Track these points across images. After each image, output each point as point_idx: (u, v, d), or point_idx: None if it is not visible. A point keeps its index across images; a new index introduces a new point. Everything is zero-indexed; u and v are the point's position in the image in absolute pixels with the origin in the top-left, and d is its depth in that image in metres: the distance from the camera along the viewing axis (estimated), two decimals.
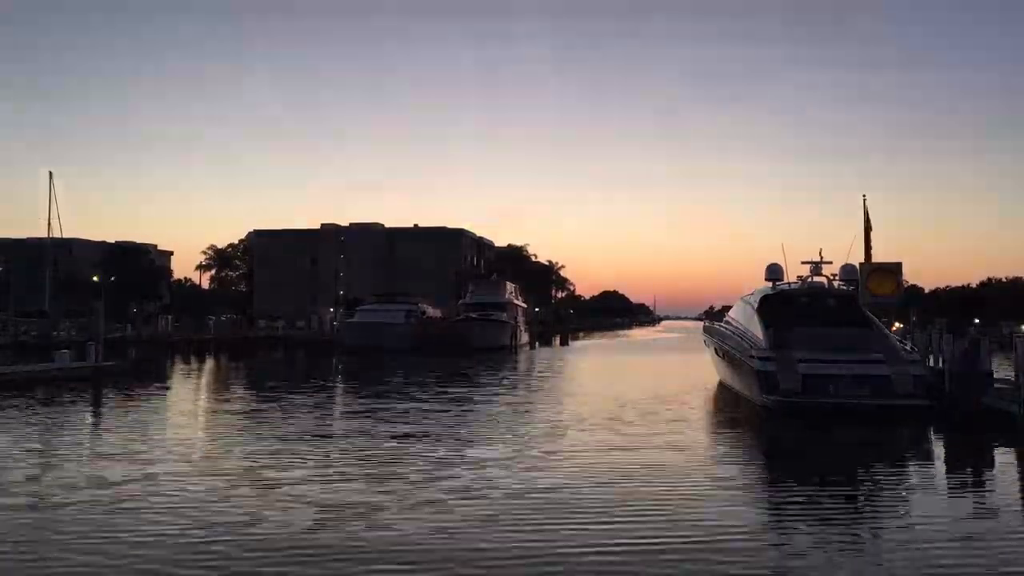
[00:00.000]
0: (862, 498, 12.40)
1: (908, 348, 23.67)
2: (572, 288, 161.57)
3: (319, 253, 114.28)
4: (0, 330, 59.04)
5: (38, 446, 16.31)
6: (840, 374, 20.78)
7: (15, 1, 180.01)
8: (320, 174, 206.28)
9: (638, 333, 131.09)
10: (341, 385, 33.59)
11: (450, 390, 28.35)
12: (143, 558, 8.55)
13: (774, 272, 28.16)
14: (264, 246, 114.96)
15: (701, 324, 48.88)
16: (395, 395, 26.73)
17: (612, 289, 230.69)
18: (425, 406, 23.01)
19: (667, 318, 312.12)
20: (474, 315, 65.05)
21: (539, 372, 40.69)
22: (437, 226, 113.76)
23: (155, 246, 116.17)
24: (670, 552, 8.85)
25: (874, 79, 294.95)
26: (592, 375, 39.02)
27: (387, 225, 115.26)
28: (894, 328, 29.06)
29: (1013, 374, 20.11)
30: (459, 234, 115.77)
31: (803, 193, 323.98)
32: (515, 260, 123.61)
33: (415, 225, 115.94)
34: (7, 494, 11.48)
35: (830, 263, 27.74)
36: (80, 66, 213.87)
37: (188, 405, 25.16)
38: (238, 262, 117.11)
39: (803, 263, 27.86)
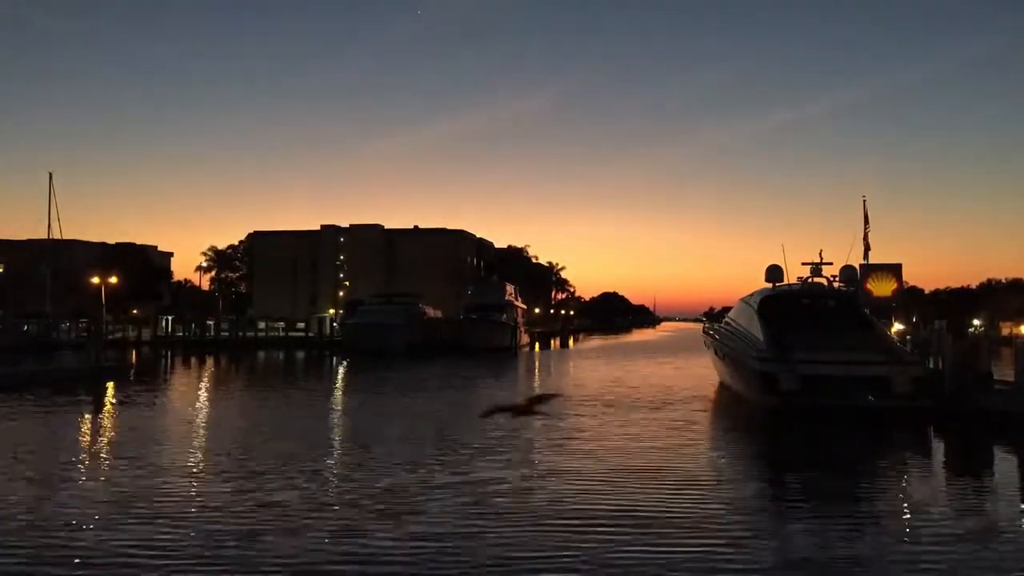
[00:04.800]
0: (862, 498, 12.40)
1: (908, 349, 23.67)
2: (572, 289, 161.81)
3: (319, 254, 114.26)
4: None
5: (36, 445, 16.31)
6: (840, 375, 20.76)
7: (15, 2, 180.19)
8: (320, 174, 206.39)
9: (638, 335, 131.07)
10: (339, 386, 33.59)
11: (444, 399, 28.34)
12: (147, 554, 8.59)
13: (774, 273, 28.18)
14: (264, 247, 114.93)
15: (701, 326, 48.88)
16: (394, 396, 26.77)
17: (612, 290, 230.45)
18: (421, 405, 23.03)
19: (667, 319, 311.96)
20: (474, 316, 65.09)
21: (540, 375, 40.67)
22: (437, 227, 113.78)
23: (155, 247, 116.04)
24: (669, 551, 8.88)
25: (874, 79, 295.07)
26: (592, 377, 38.97)
27: (387, 225, 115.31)
28: (894, 329, 29.06)
29: (1013, 375, 20.14)
30: (459, 235, 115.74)
31: (804, 194, 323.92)
32: (515, 261, 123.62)
33: (415, 226, 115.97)
34: (7, 493, 11.50)
35: (830, 264, 27.81)
36: (80, 67, 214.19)
37: (187, 405, 25.12)
38: (238, 263, 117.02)
39: (803, 264, 27.94)
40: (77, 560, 8.43)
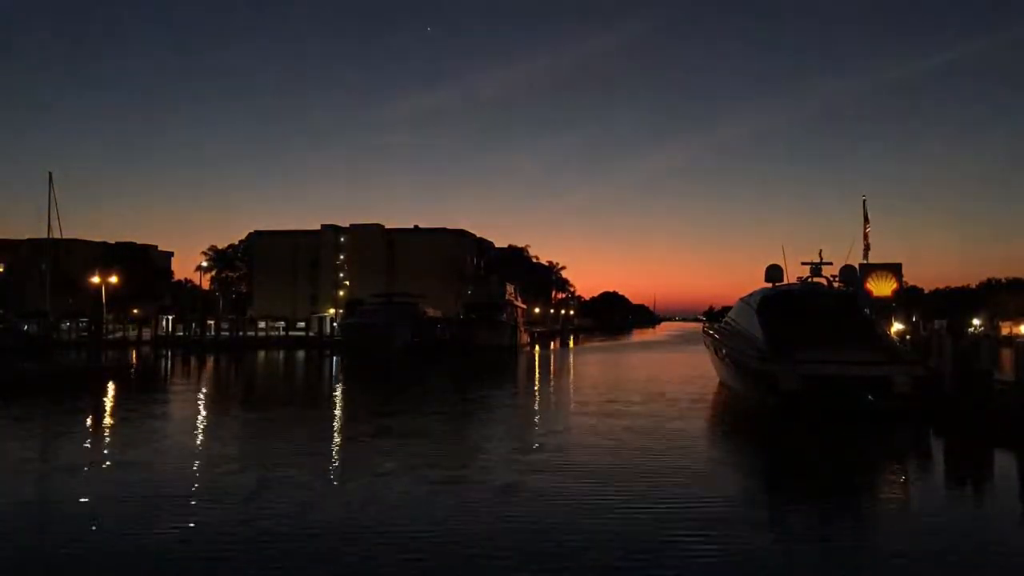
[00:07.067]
0: (861, 498, 12.40)
1: (908, 349, 23.66)
2: (572, 289, 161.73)
3: (319, 254, 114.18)
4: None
5: (36, 445, 16.32)
6: (840, 375, 20.74)
7: (16, 3, 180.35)
8: (320, 174, 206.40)
9: (638, 335, 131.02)
10: (338, 388, 33.59)
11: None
12: (153, 551, 8.61)
13: (774, 273, 28.19)
14: (264, 247, 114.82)
15: (701, 326, 48.87)
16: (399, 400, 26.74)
17: (612, 290, 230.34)
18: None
19: (667, 319, 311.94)
20: (474, 316, 65.10)
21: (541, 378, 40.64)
22: (437, 227, 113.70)
23: (155, 247, 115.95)
24: (670, 551, 8.89)
25: (874, 77, 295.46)
26: (594, 380, 39.03)
27: (387, 225, 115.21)
28: (894, 329, 29.07)
29: (1013, 375, 20.13)
30: (459, 235, 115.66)
31: (804, 193, 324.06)
32: (515, 261, 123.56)
33: (415, 226, 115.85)
34: (8, 493, 11.51)
35: (830, 264, 27.83)
36: (80, 67, 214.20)
37: (188, 405, 25.12)
38: (238, 263, 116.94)
39: (803, 264, 27.97)
40: None
